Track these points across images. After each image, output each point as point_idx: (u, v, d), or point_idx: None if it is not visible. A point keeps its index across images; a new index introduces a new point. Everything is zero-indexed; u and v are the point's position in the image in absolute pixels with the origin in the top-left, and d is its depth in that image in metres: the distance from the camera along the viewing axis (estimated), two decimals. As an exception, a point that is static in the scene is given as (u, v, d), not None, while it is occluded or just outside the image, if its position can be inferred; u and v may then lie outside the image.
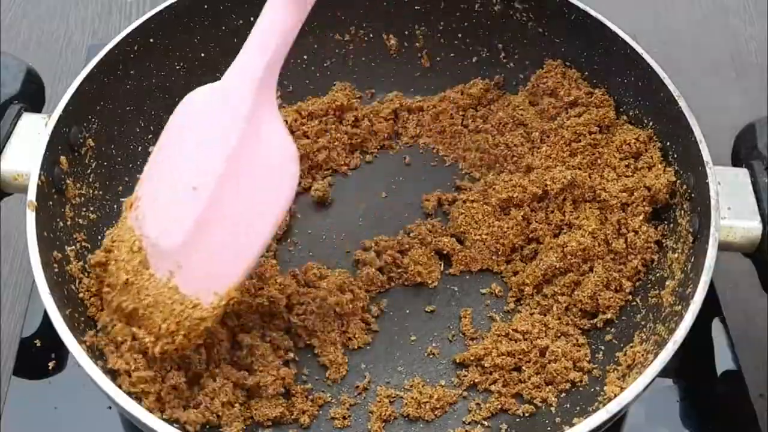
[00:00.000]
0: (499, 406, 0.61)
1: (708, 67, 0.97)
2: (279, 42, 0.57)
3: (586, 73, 0.75)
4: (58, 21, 0.99)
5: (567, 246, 0.66)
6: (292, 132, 0.75)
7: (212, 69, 0.77)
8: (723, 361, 0.69)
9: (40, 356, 0.66)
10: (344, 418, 0.61)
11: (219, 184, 0.56)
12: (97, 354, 0.57)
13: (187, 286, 0.56)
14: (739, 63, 0.97)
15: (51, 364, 0.65)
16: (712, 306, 0.70)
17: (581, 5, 0.73)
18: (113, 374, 0.56)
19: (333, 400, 0.62)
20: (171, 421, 0.56)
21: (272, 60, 0.57)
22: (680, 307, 0.58)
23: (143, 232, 0.57)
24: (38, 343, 0.67)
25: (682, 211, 0.65)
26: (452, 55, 0.81)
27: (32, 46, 0.96)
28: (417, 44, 0.81)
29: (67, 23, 0.99)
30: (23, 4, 1.00)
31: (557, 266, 0.66)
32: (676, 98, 0.66)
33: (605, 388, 0.59)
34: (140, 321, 0.57)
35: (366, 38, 0.81)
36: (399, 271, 0.68)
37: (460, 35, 0.80)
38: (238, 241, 0.57)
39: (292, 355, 0.63)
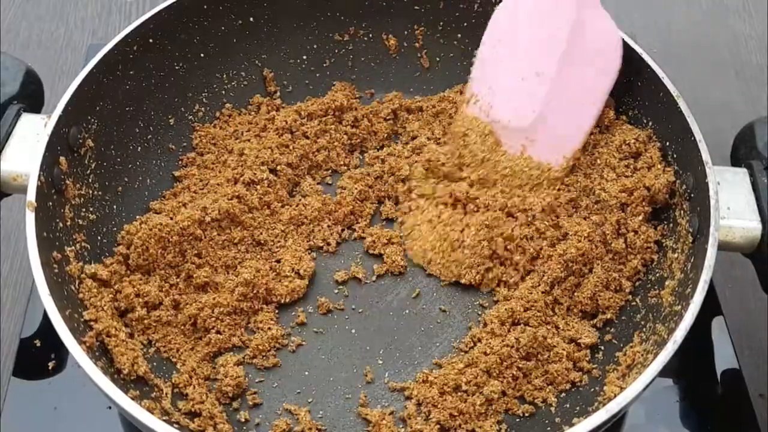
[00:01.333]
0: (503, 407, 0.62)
1: (708, 67, 0.97)
2: None
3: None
4: (58, 21, 0.99)
5: (567, 254, 0.66)
6: (291, 132, 0.76)
7: (212, 69, 0.77)
8: (723, 361, 0.69)
9: (39, 356, 0.66)
10: None
11: (558, 69, 0.68)
12: (96, 354, 0.57)
13: (539, 155, 0.68)
14: (739, 63, 0.97)
15: (51, 364, 0.65)
16: (712, 306, 0.70)
17: (580, 5, 0.73)
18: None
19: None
20: (171, 422, 0.56)
21: None
22: (680, 306, 0.58)
23: (492, 118, 0.70)
24: (38, 343, 0.67)
25: (682, 211, 0.65)
26: (452, 55, 0.81)
27: (32, 46, 0.96)
28: (417, 44, 0.81)
29: (67, 23, 0.99)
30: (23, 4, 1.01)
31: (562, 276, 0.66)
32: (676, 98, 0.66)
33: (605, 388, 0.59)
34: (494, 188, 0.69)
35: (366, 38, 0.81)
36: None
37: (459, 35, 0.80)
38: (575, 113, 0.69)
39: None
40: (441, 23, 0.80)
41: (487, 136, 0.70)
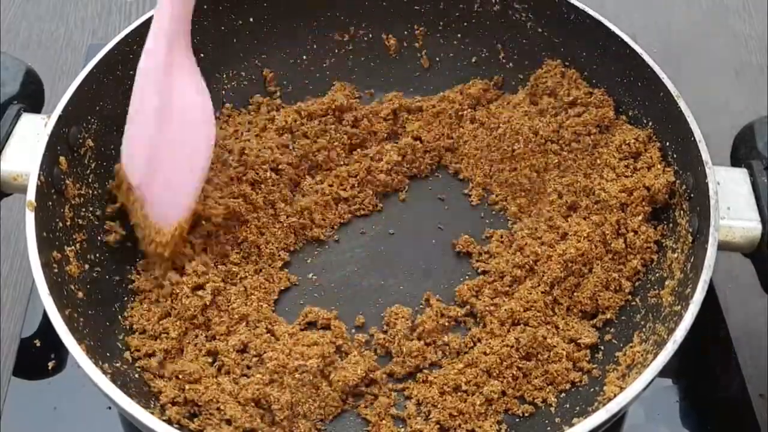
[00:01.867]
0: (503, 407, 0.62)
1: (708, 67, 0.97)
2: (179, 9, 0.65)
3: (586, 72, 0.75)
4: (58, 21, 0.99)
5: (566, 254, 0.66)
6: (291, 132, 0.76)
7: (211, 70, 0.77)
8: (723, 361, 0.69)
9: (39, 356, 0.66)
10: None
11: (156, 129, 0.65)
12: (96, 355, 0.57)
13: (153, 215, 0.66)
14: (739, 63, 0.97)
15: (51, 364, 0.65)
16: (712, 306, 0.70)
17: (580, 5, 0.73)
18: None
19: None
20: (171, 422, 0.56)
21: (177, 13, 0.65)
22: (680, 306, 0.58)
23: (125, 169, 0.67)
24: (38, 343, 0.67)
25: (682, 211, 0.65)
26: (451, 55, 0.81)
27: (32, 46, 0.96)
28: (417, 44, 0.81)
29: (67, 23, 0.99)
30: (23, 4, 1.01)
31: (561, 276, 0.66)
32: (676, 98, 0.66)
33: (605, 388, 0.59)
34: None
35: (365, 38, 0.81)
36: None
37: (459, 35, 0.80)
38: (180, 180, 0.67)
39: None
40: (441, 23, 0.80)
41: (127, 188, 0.67)
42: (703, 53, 0.98)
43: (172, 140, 0.66)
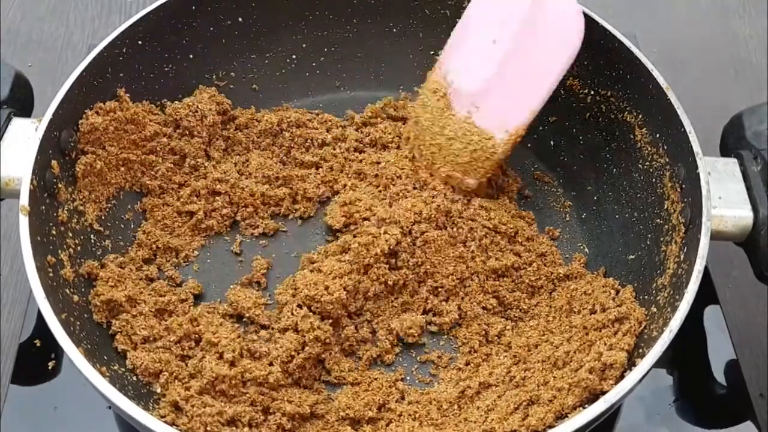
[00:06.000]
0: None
1: (708, 66, 0.97)
2: None
3: (575, 67, 0.75)
4: (58, 21, 0.99)
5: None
6: (276, 135, 0.76)
7: (201, 70, 0.77)
8: (723, 361, 0.69)
9: (39, 356, 0.66)
10: None
11: (513, 39, 0.67)
12: (94, 358, 0.57)
13: (483, 123, 0.68)
14: (739, 63, 0.98)
15: (51, 364, 0.65)
16: (707, 295, 0.71)
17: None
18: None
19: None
20: (170, 423, 0.56)
21: None
22: (675, 297, 0.59)
23: (448, 81, 0.70)
24: (38, 342, 0.67)
25: (674, 203, 0.65)
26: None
27: (32, 46, 0.96)
28: (410, 43, 0.81)
29: (67, 23, 0.99)
30: (23, 4, 1.00)
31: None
32: (665, 90, 0.66)
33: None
34: (441, 153, 0.70)
35: (356, 37, 0.81)
36: None
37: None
38: (525, 87, 0.68)
39: None
40: (439, 22, 0.80)
41: (441, 98, 0.70)
42: (703, 53, 0.99)
43: (531, 49, 0.67)
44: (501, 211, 0.71)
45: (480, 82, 0.68)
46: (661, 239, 0.65)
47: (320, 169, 0.75)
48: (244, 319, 0.66)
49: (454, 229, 0.68)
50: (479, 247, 0.68)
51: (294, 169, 0.75)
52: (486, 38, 0.68)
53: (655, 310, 0.61)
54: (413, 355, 0.66)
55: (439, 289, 0.67)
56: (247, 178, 0.73)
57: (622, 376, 0.56)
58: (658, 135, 0.68)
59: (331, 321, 0.64)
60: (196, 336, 0.63)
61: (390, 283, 0.66)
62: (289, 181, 0.74)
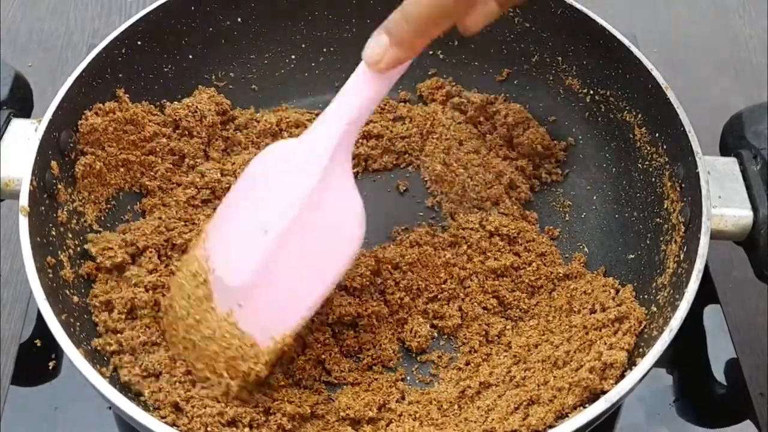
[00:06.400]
0: None
1: (708, 67, 0.97)
2: (361, 112, 0.58)
3: (574, 66, 0.75)
4: (58, 21, 0.99)
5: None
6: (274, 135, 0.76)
7: (200, 71, 0.77)
8: (723, 361, 0.69)
9: (39, 356, 0.66)
10: None
11: (288, 231, 0.58)
12: (95, 358, 0.57)
13: (246, 325, 0.58)
14: (739, 63, 0.98)
15: (51, 364, 0.65)
16: (707, 294, 0.71)
17: (568, 0, 0.73)
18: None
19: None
20: (170, 423, 0.56)
21: (352, 126, 0.58)
22: (675, 296, 0.59)
23: (210, 266, 0.60)
24: (38, 342, 0.67)
25: (674, 202, 0.65)
26: (444, 55, 0.81)
27: (32, 46, 0.96)
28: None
29: (67, 23, 0.99)
30: (23, 4, 1.00)
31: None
32: (664, 89, 0.66)
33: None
34: (195, 352, 0.59)
35: (355, 37, 0.81)
36: None
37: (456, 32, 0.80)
38: (298, 289, 0.59)
39: None
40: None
41: (201, 285, 0.60)
42: (703, 53, 0.98)
43: (307, 245, 0.58)
44: (499, 216, 0.71)
45: (246, 276, 0.58)
46: (661, 239, 0.65)
47: None
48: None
49: (439, 239, 0.69)
50: (477, 249, 0.69)
51: None
52: (256, 225, 0.59)
53: (655, 309, 0.61)
54: (413, 355, 0.66)
55: (438, 296, 0.68)
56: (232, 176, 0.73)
57: (622, 376, 0.56)
58: (657, 134, 0.68)
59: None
60: None
61: (384, 311, 0.66)
62: None
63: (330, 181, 0.58)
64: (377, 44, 0.55)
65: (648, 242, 0.67)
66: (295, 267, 0.58)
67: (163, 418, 0.56)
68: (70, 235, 0.64)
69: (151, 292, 0.64)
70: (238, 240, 0.59)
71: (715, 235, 0.62)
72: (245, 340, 0.58)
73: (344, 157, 0.59)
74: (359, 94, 0.57)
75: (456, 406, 0.61)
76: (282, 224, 0.58)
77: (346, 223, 0.59)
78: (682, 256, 0.61)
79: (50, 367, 0.65)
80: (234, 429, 0.57)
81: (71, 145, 0.66)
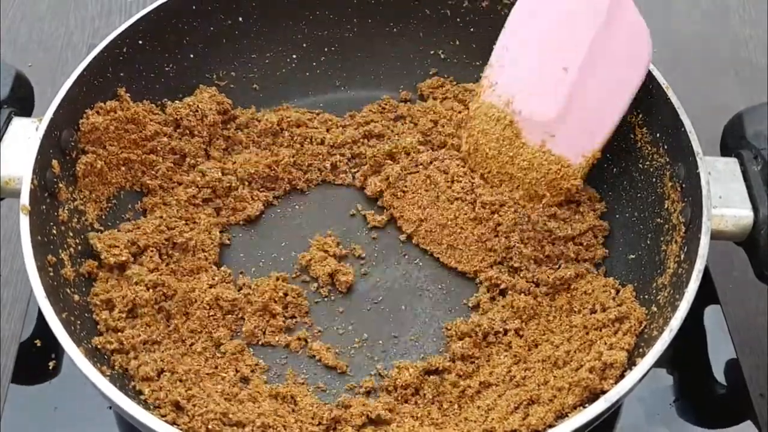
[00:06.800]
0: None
1: (708, 67, 0.97)
2: None
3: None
4: (58, 21, 0.99)
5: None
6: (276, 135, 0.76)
7: (201, 70, 0.77)
8: (723, 361, 0.69)
9: (40, 355, 0.66)
10: None
11: (584, 65, 0.65)
12: (95, 357, 0.57)
13: (559, 150, 0.67)
14: (739, 63, 0.97)
15: (51, 364, 0.65)
16: (707, 294, 0.71)
17: None
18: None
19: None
20: (172, 422, 0.56)
21: None
22: (675, 296, 0.59)
23: (513, 109, 0.68)
24: (38, 342, 0.67)
25: (674, 202, 0.65)
26: (445, 55, 0.81)
27: (32, 46, 0.96)
28: (408, 43, 0.81)
29: (67, 23, 0.99)
30: (23, 4, 1.00)
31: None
32: (665, 89, 0.67)
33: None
34: (513, 182, 0.68)
35: (357, 37, 0.81)
36: None
37: (461, 33, 0.80)
38: (599, 111, 0.66)
39: None
40: (439, 21, 0.80)
41: (507, 127, 0.68)
42: (703, 53, 0.98)
43: (605, 71, 0.65)
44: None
45: (555, 110, 0.66)
46: (662, 239, 0.65)
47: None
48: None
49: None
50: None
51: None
52: (554, 63, 0.66)
53: (655, 309, 0.61)
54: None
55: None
56: (232, 175, 0.73)
57: (622, 376, 0.56)
58: (658, 135, 0.68)
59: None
60: None
61: None
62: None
63: (613, 12, 0.65)
64: None
65: (648, 242, 0.67)
66: (596, 91, 0.66)
67: (163, 417, 0.56)
68: (70, 234, 0.64)
69: (151, 290, 0.64)
70: (539, 80, 0.67)
71: (716, 236, 0.62)
72: (562, 162, 0.67)
73: None
74: None
75: (456, 406, 0.61)
76: (578, 61, 0.65)
77: (635, 45, 0.65)
78: (682, 256, 0.61)
79: (50, 367, 0.65)
80: (235, 428, 0.57)
81: (72, 143, 0.66)
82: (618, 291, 0.65)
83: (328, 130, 0.77)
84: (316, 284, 0.69)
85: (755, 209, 0.63)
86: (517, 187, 0.68)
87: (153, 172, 0.72)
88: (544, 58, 0.67)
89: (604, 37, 0.65)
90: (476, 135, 0.70)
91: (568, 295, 0.67)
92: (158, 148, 0.72)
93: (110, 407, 0.63)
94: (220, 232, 0.71)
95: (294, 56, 0.81)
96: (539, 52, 0.68)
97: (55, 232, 0.62)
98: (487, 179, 0.70)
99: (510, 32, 0.70)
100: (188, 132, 0.74)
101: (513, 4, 0.76)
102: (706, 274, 0.67)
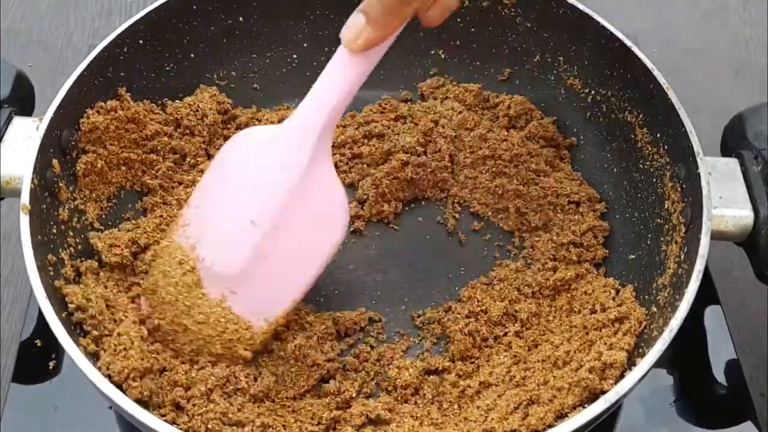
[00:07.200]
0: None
1: (708, 66, 0.97)
2: (344, 94, 0.59)
3: (575, 66, 0.75)
4: (58, 21, 0.99)
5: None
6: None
7: (202, 70, 0.77)
8: (723, 361, 0.69)
9: (40, 355, 0.66)
10: None
11: (276, 221, 0.60)
12: (95, 357, 0.57)
13: (240, 309, 0.61)
14: (739, 63, 0.97)
15: (51, 364, 0.65)
16: (707, 295, 0.71)
17: (569, 0, 0.73)
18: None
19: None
20: (171, 422, 0.56)
21: (335, 110, 0.60)
22: (675, 296, 0.59)
23: (197, 255, 0.61)
24: (38, 342, 0.66)
25: (675, 202, 0.65)
26: (445, 55, 0.81)
27: (32, 46, 0.96)
28: (408, 43, 0.81)
29: (67, 23, 0.99)
30: (23, 4, 1.00)
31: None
32: (665, 89, 0.66)
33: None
34: (187, 335, 0.61)
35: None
36: None
37: (460, 32, 0.80)
38: (289, 273, 0.61)
39: None
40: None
41: (188, 272, 0.61)
42: (703, 53, 0.98)
43: (296, 232, 0.60)
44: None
45: (237, 266, 0.60)
46: (662, 239, 0.65)
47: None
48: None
49: None
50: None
51: None
52: (243, 215, 0.60)
53: (655, 309, 0.61)
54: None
55: None
56: None
57: (622, 376, 0.56)
58: (658, 135, 0.68)
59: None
60: None
61: None
62: None
63: (314, 168, 0.60)
64: (354, 24, 0.57)
65: (648, 243, 0.67)
66: (285, 253, 0.60)
67: (163, 416, 0.56)
68: (71, 234, 0.64)
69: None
70: (226, 230, 0.61)
71: (716, 236, 0.62)
72: (240, 323, 0.60)
73: (327, 144, 0.61)
74: (342, 75, 0.59)
75: (456, 406, 0.61)
76: (269, 216, 0.60)
77: (332, 210, 0.61)
78: (682, 256, 0.61)
79: (50, 367, 0.65)
80: (234, 428, 0.57)
81: (72, 143, 0.66)
82: (618, 291, 0.65)
83: None
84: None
85: (755, 210, 0.63)
86: (190, 341, 0.60)
87: (153, 172, 0.72)
88: (236, 206, 0.61)
89: (300, 197, 0.60)
90: (156, 275, 0.62)
91: (568, 295, 0.67)
92: (158, 148, 0.72)
93: (110, 407, 0.63)
94: None
95: (294, 56, 0.81)
96: (232, 201, 0.61)
97: (55, 231, 0.62)
98: (161, 328, 0.61)
99: (210, 173, 0.64)
100: (188, 132, 0.74)
101: (513, 4, 0.76)
102: (706, 275, 0.67)
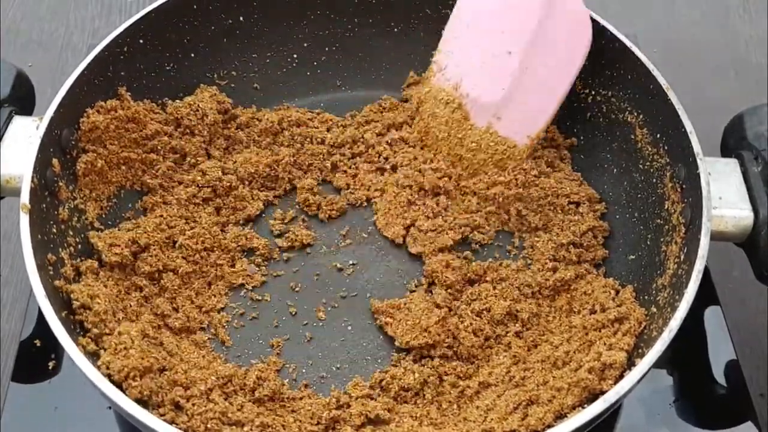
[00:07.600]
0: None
1: (708, 66, 0.97)
2: None
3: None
4: (58, 21, 0.99)
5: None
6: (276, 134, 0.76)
7: (202, 69, 0.77)
8: (723, 361, 0.69)
9: (39, 355, 0.66)
10: None
11: (528, 48, 0.69)
12: (95, 357, 0.57)
13: (506, 132, 0.70)
14: (739, 63, 0.97)
15: (51, 363, 0.65)
16: (707, 295, 0.71)
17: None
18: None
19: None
20: (170, 421, 0.56)
21: None
22: (675, 296, 0.59)
23: (461, 92, 0.71)
24: (38, 342, 0.66)
25: (675, 203, 0.65)
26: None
27: (32, 46, 0.96)
28: (412, 43, 0.81)
29: (67, 23, 0.99)
30: (23, 4, 1.00)
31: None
32: (665, 90, 0.67)
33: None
34: (463, 163, 0.72)
35: (357, 36, 0.81)
36: None
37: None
38: (544, 90, 0.70)
39: None
40: (440, 21, 0.79)
41: (456, 110, 0.71)
42: (703, 53, 0.98)
43: (547, 54, 0.69)
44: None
45: (501, 93, 0.70)
46: (662, 239, 0.65)
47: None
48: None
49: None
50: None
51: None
52: (499, 47, 0.70)
53: (655, 310, 0.61)
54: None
55: None
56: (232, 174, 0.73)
57: (621, 376, 0.56)
58: (658, 135, 0.68)
59: None
60: None
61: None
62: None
63: None
64: None
65: (648, 243, 0.67)
66: (540, 72, 0.69)
67: (162, 416, 0.56)
68: (71, 233, 0.64)
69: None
70: (486, 64, 0.70)
71: (716, 237, 0.62)
72: (508, 143, 0.70)
73: None
74: None
75: (455, 406, 0.62)
76: (523, 45, 0.69)
77: (576, 31, 0.69)
78: (682, 257, 0.61)
79: (50, 367, 0.65)
80: (234, 428, 0.57)
81: (72, 142, 0.66)
82: (618, 291, 0.65)
83: (328, 130, 0.77)
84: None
85: (755, 210, 0.63)
86: (466, 168, 0.71)
87: (153, 171, 0.72)
88: (489, 42, 0.70)
89: (547, 23, 0.69)
90: (426, 118, 0.73)
91: (568, 295, 0.67)
92: (159, 147, 0.72)
93: (110, 407, 0.63)
94: (221, 231, 0.71)
95: (294, 56, 0.81)
96: (485, 38, 0.71)
97: (55, 231, 0.62)
98: (439, 162, 0.72)
99: (457, 19, 0.73)
100: (189, 131, 0.74)
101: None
102: (706, 275, 0.67)
